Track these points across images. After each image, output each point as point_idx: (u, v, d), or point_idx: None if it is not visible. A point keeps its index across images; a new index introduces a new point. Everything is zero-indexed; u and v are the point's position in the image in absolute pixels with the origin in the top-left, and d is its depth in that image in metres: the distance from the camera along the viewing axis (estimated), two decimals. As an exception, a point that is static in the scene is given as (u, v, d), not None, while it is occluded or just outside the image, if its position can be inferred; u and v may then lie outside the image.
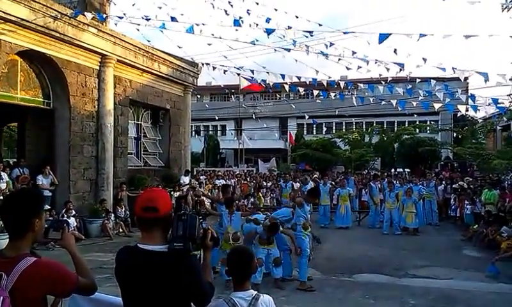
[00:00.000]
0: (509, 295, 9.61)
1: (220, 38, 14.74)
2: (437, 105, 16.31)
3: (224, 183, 18.36)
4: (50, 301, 3.06)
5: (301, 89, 19.14)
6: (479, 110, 17.60)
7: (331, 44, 13.04)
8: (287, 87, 18.24)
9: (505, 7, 19.35)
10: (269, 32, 12.00)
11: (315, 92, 18.46)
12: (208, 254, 3.34)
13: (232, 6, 14.05)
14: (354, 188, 22.02)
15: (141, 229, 3.07)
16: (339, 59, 13.72)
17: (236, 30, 13.17)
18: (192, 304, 3.10)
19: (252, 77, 17.86)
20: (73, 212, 15.17)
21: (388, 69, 13.81)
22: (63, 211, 14.89)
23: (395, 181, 20.74)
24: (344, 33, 11.46)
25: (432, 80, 15.88)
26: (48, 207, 13.80)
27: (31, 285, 2.71)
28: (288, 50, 13.24)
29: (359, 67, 13.86)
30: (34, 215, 2.88)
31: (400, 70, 12.97)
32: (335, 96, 18.30)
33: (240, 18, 14.38)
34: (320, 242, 13.06)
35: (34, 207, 2.93)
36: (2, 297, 2.55)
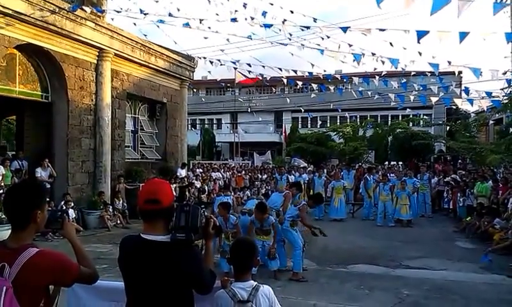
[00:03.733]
0: (502, 285, 9.72)
1: (217, 32, 14.89)
2: (434, 99, 16.50)
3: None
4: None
5: (300, 83, 19.31)
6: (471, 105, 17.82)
7: (328, 37, 13.21)
8: (285, 80, 18.37)
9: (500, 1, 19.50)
10: (266, 27, 12.12)
11: (314, 86, 18.62)
12: (211, 242, 3.43)
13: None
14: (353, 182, 22.23)
15: (144, 220, 3.12)
16: (336, 52, 13.88)
17: (235, 21, 13.27)
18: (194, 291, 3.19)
19: (250, 72, 18.00)
20: (72, 204, 15.28)
21: (383, 62, 13.98)
22: (62, 203, 14.99)
23: (389, 174, 20.93)
24: (342, 29, 11.57)
25: (427, 73, 16.05)
26: (47, 199, 13.86)
27: (33, 275, 2.75)
28: (285, 44, 13.37)
29: (354, 60, 14.02)
30: (36, 206, 2.91)
31: (398, 64, 13.12)
32: (334, 89, 18.43)
33: (235, 11, 14.53)
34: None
35: (36, 199, 2.95)
36: (5, 287, 2.49)
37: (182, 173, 21.84)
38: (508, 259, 11.42)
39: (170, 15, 13.90)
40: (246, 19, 13.89)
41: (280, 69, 16.62)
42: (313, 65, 16.64)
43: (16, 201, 2.90)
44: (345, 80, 21.36)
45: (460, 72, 19.42)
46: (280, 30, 13.47)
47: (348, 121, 46.37)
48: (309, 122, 52.18)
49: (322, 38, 13.40)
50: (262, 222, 9.88)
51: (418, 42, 10.62)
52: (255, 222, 9.94)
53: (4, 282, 2.55)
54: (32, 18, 13.91)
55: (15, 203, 2.90)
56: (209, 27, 15.56)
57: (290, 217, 10.30)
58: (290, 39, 14.29)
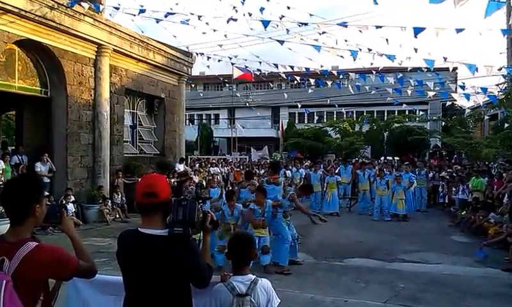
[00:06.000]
0: (496, 279, 9.80)
1: (215, 30, 14.96)
2: (431, 93, 16.62)
3: (248, 170, 18.45)
4: (51, 285, 3.13)
5: (298, 78, 19.41)
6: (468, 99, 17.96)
7: (324, 32, 13.31)
8: (283, 75, 18.46)
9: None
10: (265, 24, 12.18)
11: (312, 81, 18.71)
12: (208, 237, 3.48)
13: (226, -5, 14.21)
14: (350, 176, 22.40)
15: (142, 214, 3.14)
16: (333, 48, 13.96)
17: (234, 21, 13.32)
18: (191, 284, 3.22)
19: (246, 66, 18.09)
20: (72, 198, 15.44)
21: (381, 54, 14.06)
22: (62, 197, 15.11)
23: (385, 169, 21.08)
24: (339, 25, 11.69)
25: (423, 69, 16.15)
26: (47, 194, 13.96)
27: (32, 269, 2.75)
28: (282, 42, 13.41)
29: (351, 55, 14.09)
30: (35, 201, 2.91)
31: (394, 59, 13.21)
32: (331, 84, 18.55)
33: (234, 8, 14.59)
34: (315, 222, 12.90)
35: (35, 193, 2.95)
36: (4, 281, 2.49)
37: (180, 167, 21.94)
38: (503, 253, 11.50)
39: (169, 13, 13.93)
40: (244, 15, 13.96)
41: (276, 65, 16.70)
42: (311, 59, 16.75)
43: (15, 195, 2.90)
44: (341, 75, 21.47)
45: (455, 68, 19.59)
46: (278, 25, 13.56)
47: (344, 116, 46.49)
48: (306, 117, 52.27)
49: (320, 33, 13.49)
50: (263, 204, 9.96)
51: (415, 36, 10.72)
52: (256, 210, 10.02)
53: (4, 276, 2.58)
54: (31, 13, 13.97)
55: (13, 198, 2.90)
56: (207, 23, 15.62)
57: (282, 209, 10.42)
58: (288, 32, 14.36)
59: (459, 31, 11.15)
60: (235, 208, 10.26)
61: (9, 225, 2.94)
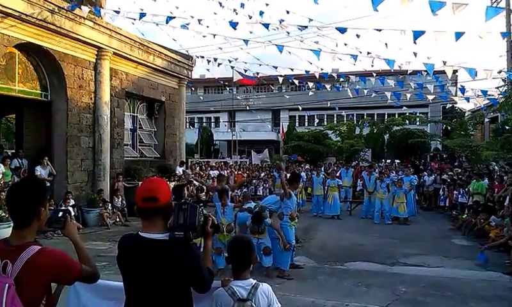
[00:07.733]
0: (498, 282, 9.80)
1: (215, 35, 14.98)
2: (430, 97, 16.63)
3: (220, 173, 18.72)
4: (53, 289, 3.11)
5: (296, 81, 19.43)
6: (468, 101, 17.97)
7: (324, 36, 13.35)
8: (280, 79, 18.46)
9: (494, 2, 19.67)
10: (266, 27, 12.21)
11: (311, 84, 18.73)
12: (209, 241, 3.44)
13: (227, -1, 14.23)
14: (351, 180, 22.38)
15: (142, 218, 3.12)
16: (333, 51, 14.00)
17: (235, 26, 13.33)
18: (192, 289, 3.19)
19: (246, 70, 18.10)
20: (72, 202, 15.37)
21: (379, 57, 14.08)
22: (62, 201, 15.07)
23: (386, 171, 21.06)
24: (338, 29, 11.70)
25: (423, 72, 16.18)
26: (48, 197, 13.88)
27: (36, 273, 2.76)
28: (281, 47, 13.41)
29: (351, 57, 14.11)
30: (40, 204, 2.92)
31: (393, 64, 13.21)
32: (330, 87, 18.55)
33: (234, 10, 14.62)
34: (301, 241, 13.19)
35: (40, 196, 2.96)
36: (7, 284, 2.58)
37: (181, 171, 21.93)
38: (503, 256, 11.50)
39: (169, 17, 13.94)
40: (244, 16, 14.00)
41: (275, 67, 16.72)
42: (311, 63, 16.76)
43: (20, 199, 2.90)
44: (342, 78, 21.50)
45: (456, 71, 19.62)
46: (278, 28, 13.58)
47: (345, 119, 46.43)
48: (306, 120, 52.26)
49: (319, 35, 13.52)
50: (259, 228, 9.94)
51: (415, 42, 10.73)
52: (252, 227, 9.98)
53: (7, 279, 2.64)
54: (31, 17, 13.98)
55: (19, 201, 2.90)
56: (207, 26, 15.66)
57: (287, 209, 10.34)
58: (288, 33, 14.39)
59: (458, 34, 11.14)
60: (227, 207, 10.24)
61: (11, 228, 2.94)
